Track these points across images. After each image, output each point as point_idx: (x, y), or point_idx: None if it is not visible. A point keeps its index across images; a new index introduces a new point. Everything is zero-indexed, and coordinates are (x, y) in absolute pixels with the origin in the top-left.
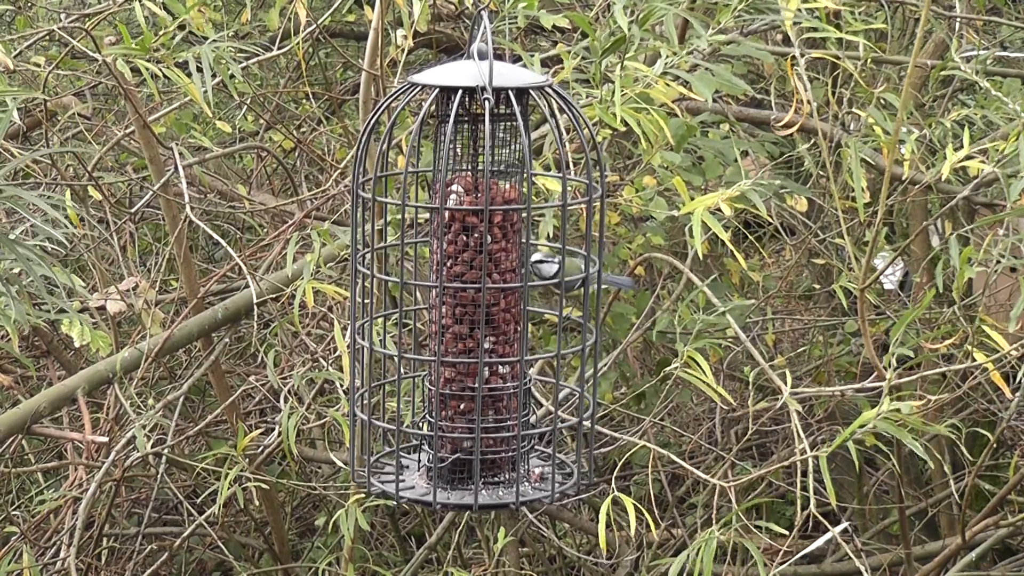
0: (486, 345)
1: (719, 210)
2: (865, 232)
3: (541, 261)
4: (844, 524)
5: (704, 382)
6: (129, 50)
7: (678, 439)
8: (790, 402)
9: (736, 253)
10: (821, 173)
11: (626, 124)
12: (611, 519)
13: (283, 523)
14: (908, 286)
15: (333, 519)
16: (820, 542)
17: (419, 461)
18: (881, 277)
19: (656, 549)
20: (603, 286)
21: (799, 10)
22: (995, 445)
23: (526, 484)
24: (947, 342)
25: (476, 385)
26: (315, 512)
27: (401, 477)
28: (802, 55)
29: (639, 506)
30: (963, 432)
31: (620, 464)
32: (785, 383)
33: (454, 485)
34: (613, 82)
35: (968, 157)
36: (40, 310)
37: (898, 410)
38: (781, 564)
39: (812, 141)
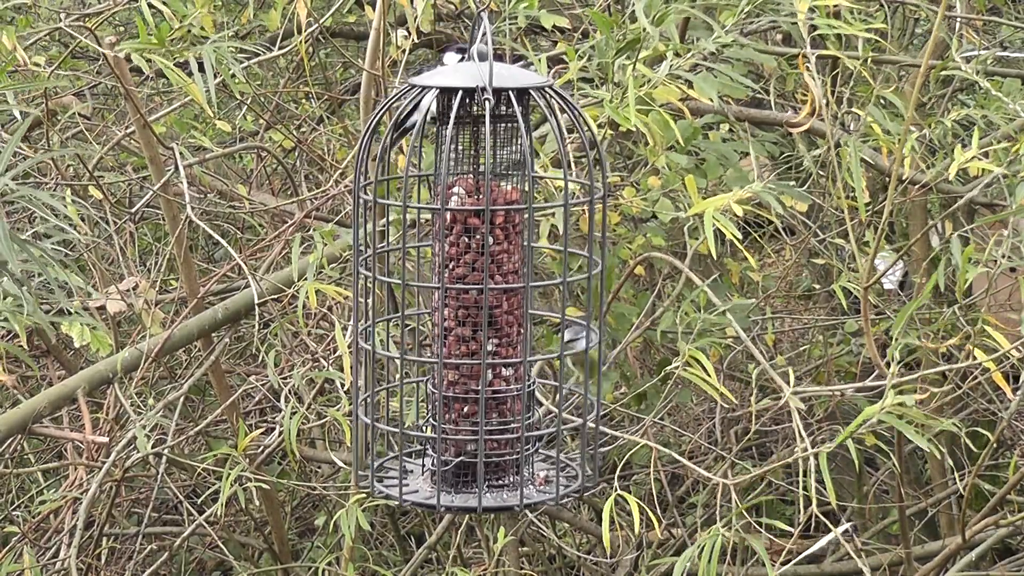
0: (489, 347)
1: (728, 211)
2: (865, 232)
3: (572, 340)
4: (847, 525)
5: (706, 381)
6: (144, 45)
7: (678, 439)
8: (792, 401)
9: (748, 256)
10: (821, 173)
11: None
12: (612, 518)
13: (283, 523)
14: (908, 286)
15: (333, 519)
16: (823, 542)
17: (423, 464)
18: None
19: (656, 549)
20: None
21: (810, 9)
22: (995, 445)
23: (531, 487)
24: (948, 342)
25: (479, 387)
26: (315, 512)
27: (405, 481)
28: (813, 54)
29: (643, 506)
30: (963, 432)
31: (621, 464)
32: (787, 382)
33: (458, 488)
34: (618, 83)
35: (971, 157)
36: (42, 310)
37: (902, 404)
38: (785, 564)
39: (812, 142)
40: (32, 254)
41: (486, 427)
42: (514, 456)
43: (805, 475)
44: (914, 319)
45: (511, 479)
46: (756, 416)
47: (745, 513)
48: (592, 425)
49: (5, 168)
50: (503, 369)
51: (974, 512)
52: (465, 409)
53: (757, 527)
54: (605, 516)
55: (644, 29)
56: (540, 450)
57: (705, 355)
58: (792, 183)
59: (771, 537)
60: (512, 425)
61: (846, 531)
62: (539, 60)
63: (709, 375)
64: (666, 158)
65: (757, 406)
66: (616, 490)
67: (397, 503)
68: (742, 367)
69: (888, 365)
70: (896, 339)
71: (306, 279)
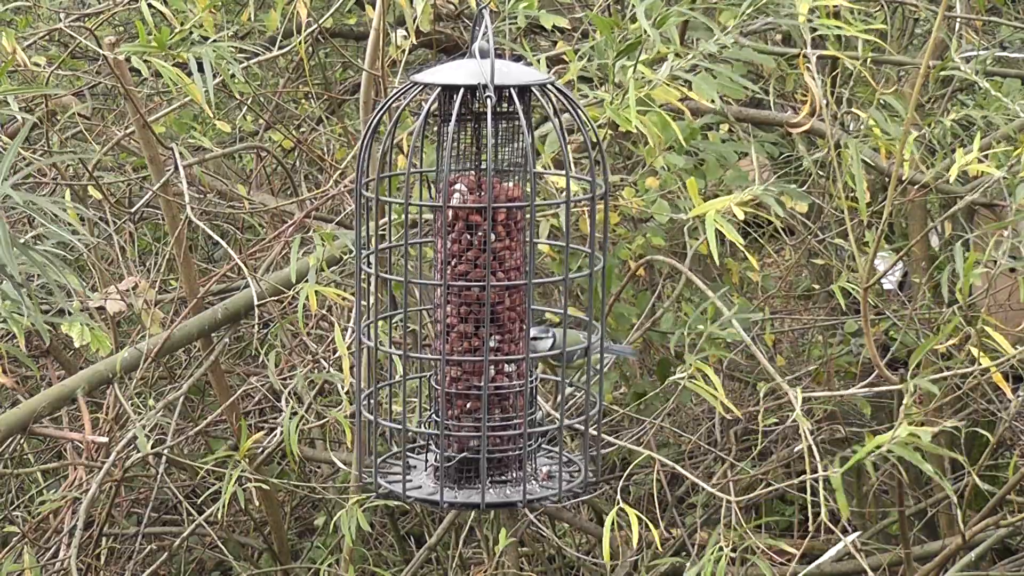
0: (491, 343)
1: (729, 212)
2: (864, 232)
3: (536, 338)
4: (855, 534)
5: (712, 393)
6: (143, 47)
7: (677, 439)
8: (800, 419)
9: (750, 257)
10: (821, 173)
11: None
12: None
13: (282, 523)
14: (907, 286)
15: (333, 520)
16: (832, 552)
17: (426, 461)
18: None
19: (655, 549)
20: (606, 356)
21: (810, 10)
22: (995, 445)
23: (533, 483)
24: (948, 343)
25: (482, 384)
26: (314, 512)
27: (408, 477)
28: (813, 55)
29: (642, 517)
30: (963, 432)
31: (626, 469)
32: (796, 397)
33: (461, 484)
34: (619, 83)
35: (972, 159)
36: (41, 311)
37: (916, 435)
38: (795, 571)
39: (812, 142)
40: (32, 257)
41: (489, 423)
42: (517, 452)
43: (815, 491)
44: (914, 320)
45: (514, 475)
46: (755, 417)
47: (749, 533)
48: (594, 432)
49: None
50: (505, 365)
51: (974, 512)
52: (468, 405)
53: (758, 529)
54: (607, 526)
55: (645, 31)
56: (542, 446)
57: (705, 361)
58: (792, 183)
59: (769, 552)
60: (515, 421)
61: (846, 533)
62: (538, 61)
63: (716, 388)
64: (664, 159)
65: (764, 423)
66: (618, 494)
67: (400, 500)
68: (742, 367)
69: (888, 366)
70: (910, 370)
71: (307, 281)
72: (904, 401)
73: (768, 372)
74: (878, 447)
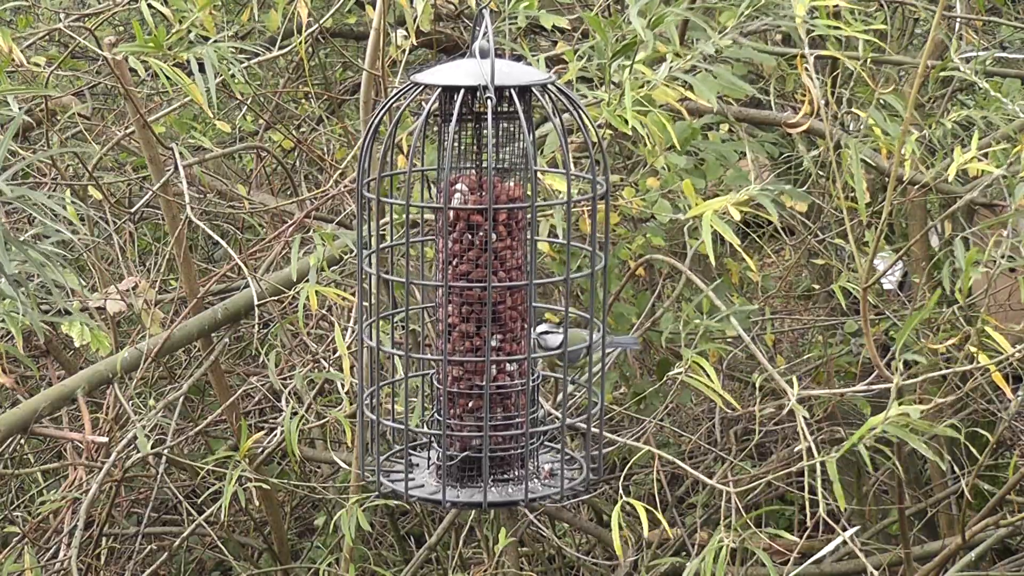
0: (493, 343)
1: (726, 213)
2: (864, 232)
3: (546, 332)
4: (854, 529)
5: (710, 388)
6: (141, 47)
7: (677, 439)
8: (796, 408)
9: (747, 258)
10: (820, 173)
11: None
12: (610, 519)
13: (282, 523)
14: (907, 286)
15: (333, 520)
16: (831, 547)
17: (428, 460)
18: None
19: (655, 549)
20: (608, 349)
21: (809, 11)
22: (995, 445)
23: (535, 481)
24: (948, 343)
25: (484, 383)
26: (314, 512)
27: (411, 476)
28: (811, 55)
29: (650, 509)
30: (963, 432)
31: (626, 466)
32: (790, 389)
33: (464, 483)
34: (617, 84)
35: (971, 158)
36: (41, 311)
37: (907, 414)
38: (795, 569)
39: (812, 142)
40: (30, 256)
41: (491, 422)
42: (518, 451)
43: (811, 477)
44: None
45: (516, 473)
46: (755, 417)
47: (749, 523)
48: (596, 430)
49: (1, 168)
50: (507, 364)
51: (974, 512)
52: (470, 404)
53: (758, 528)
54: (614, 523)
55: (639, 32)
56: (545, 443)
57: (705, 357)
58: (791, 183)
59: (772, 544)
60: (516, 420)
61: (852, 534)
62: (537, 61)
63: (713, 382)
64: (665, 159)
65: (760, 413)
66: (620, 495)
67: (402, 499)
68: (742, 367)
69: (887, 366)
70: (899, 349)
71: (307, 281)
72: (894, 380)
73: (764, 367)
74: (872, 429)
